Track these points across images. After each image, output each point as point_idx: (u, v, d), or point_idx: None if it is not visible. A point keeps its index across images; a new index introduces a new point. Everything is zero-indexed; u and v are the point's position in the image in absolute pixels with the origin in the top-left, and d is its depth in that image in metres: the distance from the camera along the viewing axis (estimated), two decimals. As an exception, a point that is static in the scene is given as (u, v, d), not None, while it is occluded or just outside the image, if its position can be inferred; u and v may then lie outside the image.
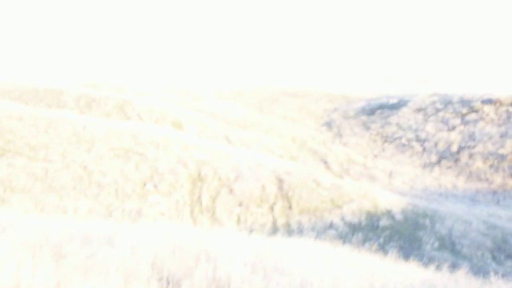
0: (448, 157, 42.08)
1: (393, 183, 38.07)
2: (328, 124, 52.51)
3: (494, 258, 24.05)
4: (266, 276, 8.12)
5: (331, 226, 25.00)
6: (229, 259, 8.59)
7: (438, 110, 49.85)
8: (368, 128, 49.78)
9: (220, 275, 7.82)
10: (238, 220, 24.94)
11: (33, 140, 29.35)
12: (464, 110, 47.99)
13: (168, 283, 7.61)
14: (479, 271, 16.96)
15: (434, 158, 42.24)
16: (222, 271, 7.90)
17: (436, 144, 44.09)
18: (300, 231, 22.69)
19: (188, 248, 9.32)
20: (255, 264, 8.98)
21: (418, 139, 45.70)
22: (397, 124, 49.28)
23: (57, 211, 22.38)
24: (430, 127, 46.97)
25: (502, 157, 40.20)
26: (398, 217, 26.42)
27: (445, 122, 47.31)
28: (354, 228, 24.99)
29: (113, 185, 25.99)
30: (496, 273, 9.43)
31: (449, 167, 40.68)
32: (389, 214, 26.60)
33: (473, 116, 46.81)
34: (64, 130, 31.26)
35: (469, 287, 9.02)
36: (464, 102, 49.56)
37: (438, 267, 13.57)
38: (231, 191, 27.15)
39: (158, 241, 9.59)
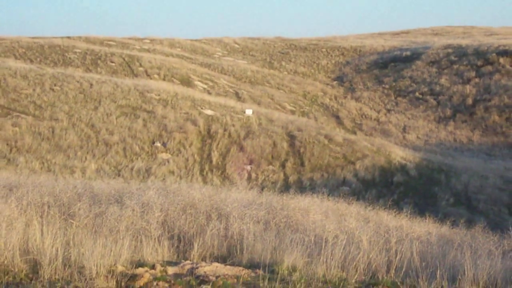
0: (463, 110, 41.41)
1: (407, 138, 37.67)
2: (340, 79, 51.71)
3: (511, 213, 23.81)
4: (279, 233, 7.94)
5: (344, 182, 24.85)
6: (241, 217, 8.47)
7: (452, 63, 48.78)
8: (381, 82, 48.99)
9: (232, 233, 7.66)
10: (249, 178, 24.76)
11: (39, 98, 28.91)
12: (479, 62, 46.96)
13: (179, 241, 7.48)
14: (496, 226, 16.62)
15: (448, 112, 41.60)
16: (234, 229, 7.76)
17: (450, 98, 43.34)
18: (313, 188, 22.43)
19: (199, 206, 9.18)
20: (268, 221, 8.87)
21: (432, 93, 44.93)
22: (411, 78, 48.42)
23: (64, 171, 22.17)
24: (444, 80, 46.10)
25: (519, 110, 39.48)
26: (413, 172, 26.16)
27: (459, 75, 46.36)
28: (367, 184, 24.80)
29: (121, 144, 25.68)
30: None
31: (464, 121, 40.08)
32: (403, 169, 26.39)
33: (488, 68, 45.83)
34: (70, 88, 30.79)
35: (486, 242, 8.71)
36: (479, 54, 48.39)
37: (454, 223, 13.44)
38: (241, 148, 26.88)
39: (168, 199, 9.45)
